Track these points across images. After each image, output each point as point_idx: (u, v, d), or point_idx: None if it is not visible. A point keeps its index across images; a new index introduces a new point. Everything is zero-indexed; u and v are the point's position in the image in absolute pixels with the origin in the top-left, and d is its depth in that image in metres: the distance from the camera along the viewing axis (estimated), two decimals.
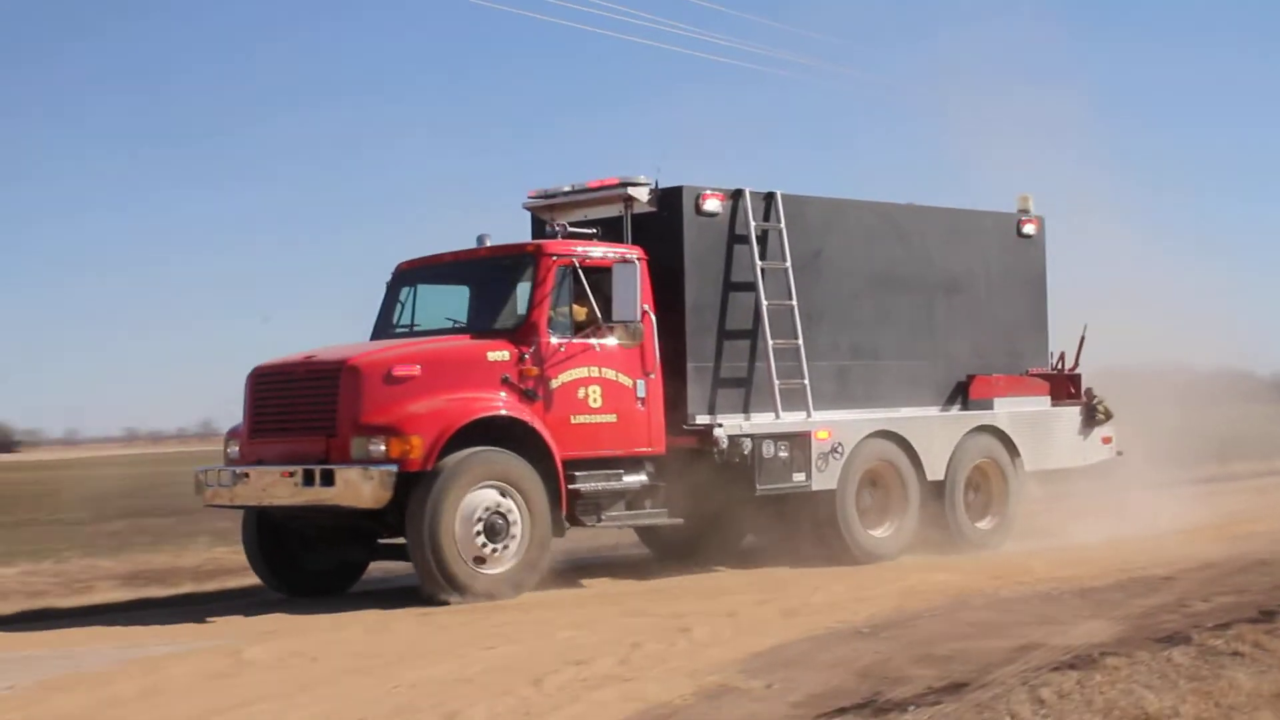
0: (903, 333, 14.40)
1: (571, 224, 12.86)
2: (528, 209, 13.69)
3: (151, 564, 15.04)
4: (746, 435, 12.75)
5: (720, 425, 12.60)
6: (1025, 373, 15.14)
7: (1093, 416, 15.21)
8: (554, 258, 12.26)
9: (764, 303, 13.06)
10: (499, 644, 8.94)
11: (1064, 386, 15.22)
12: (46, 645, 9.93)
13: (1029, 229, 15.56)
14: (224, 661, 8.64)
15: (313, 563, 12.42)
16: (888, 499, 13.81)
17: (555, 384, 12.09)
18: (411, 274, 13.08)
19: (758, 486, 12.77)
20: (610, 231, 12.78)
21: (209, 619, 10.69)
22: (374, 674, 7.96)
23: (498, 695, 7.12)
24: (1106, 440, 15.46)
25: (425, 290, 12.97)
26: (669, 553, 13.84)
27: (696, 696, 7.12)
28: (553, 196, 13.42)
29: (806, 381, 13.19)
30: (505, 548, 11.36)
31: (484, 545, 11.25)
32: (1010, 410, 14.73)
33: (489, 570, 11.28)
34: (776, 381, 13.00)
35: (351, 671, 8.12)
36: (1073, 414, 15.21)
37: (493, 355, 11.90)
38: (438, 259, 13.03)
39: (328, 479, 11.11)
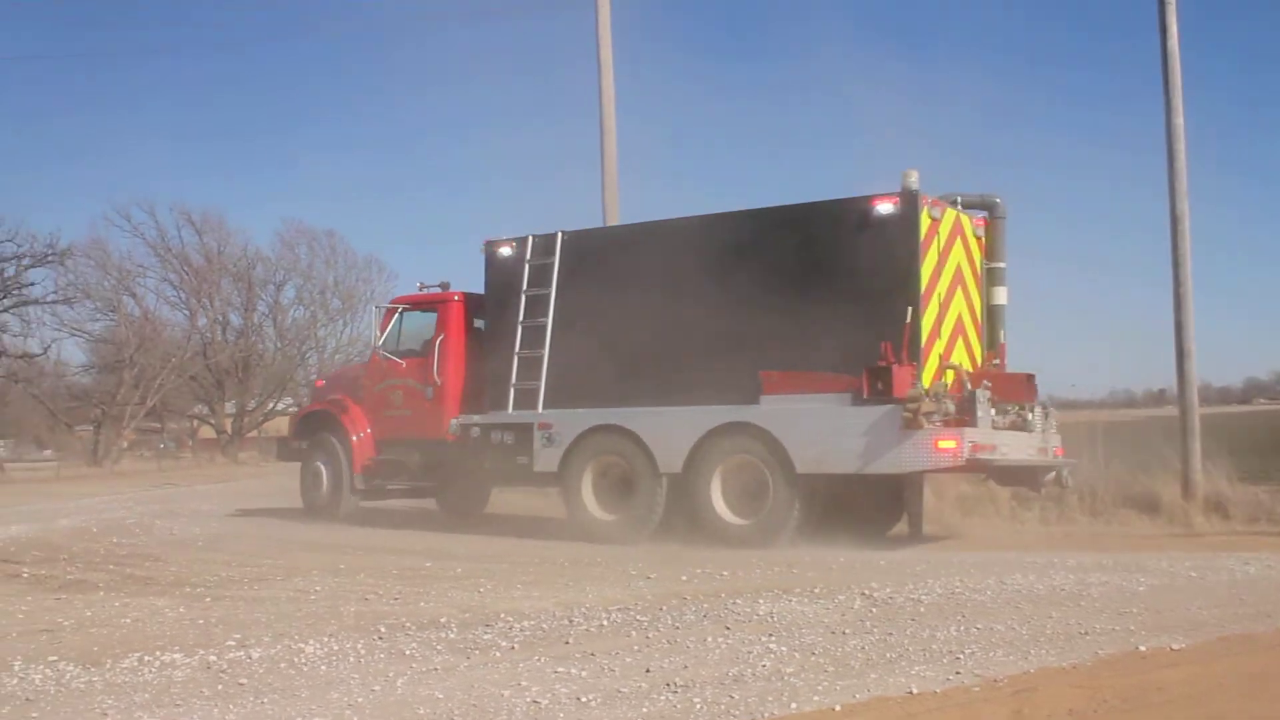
0: (703, 337, 14.73)
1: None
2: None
3: None
4: (475, 425, 16.52)
5: (457, 419, 16.83)
6: (863, 370, 13.30)
7: (913, 417, 13.05)
8: (389, 306, 18.69)
9: (520, 323, 16.19)
10: None
11: (870, 383, 13.26)
12: None
13: (884, 209, 13.72)
14: None
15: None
16: (621, 487, 15.35)
17: (376, 389, 18.30)
18: None
19: (485, 466, 16.51)
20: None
21: None
22: None
23: None
24: (944, 447, 13.18)
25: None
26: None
27: None
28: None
29: (541, 383, 15.97)
30: (321, 493, 18.66)
31: (314, 491, 18.78)
32: (777, 408, 14.04)
33: (321, 505, 18.55)
34: (514, 383, 16.18)
35: None
36: (878, 414, 13.37)
37: (350, 373, 19.55)
38: None
39: None
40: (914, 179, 13.89)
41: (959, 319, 14.61)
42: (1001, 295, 15.36)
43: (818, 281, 14.08)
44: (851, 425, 13.57)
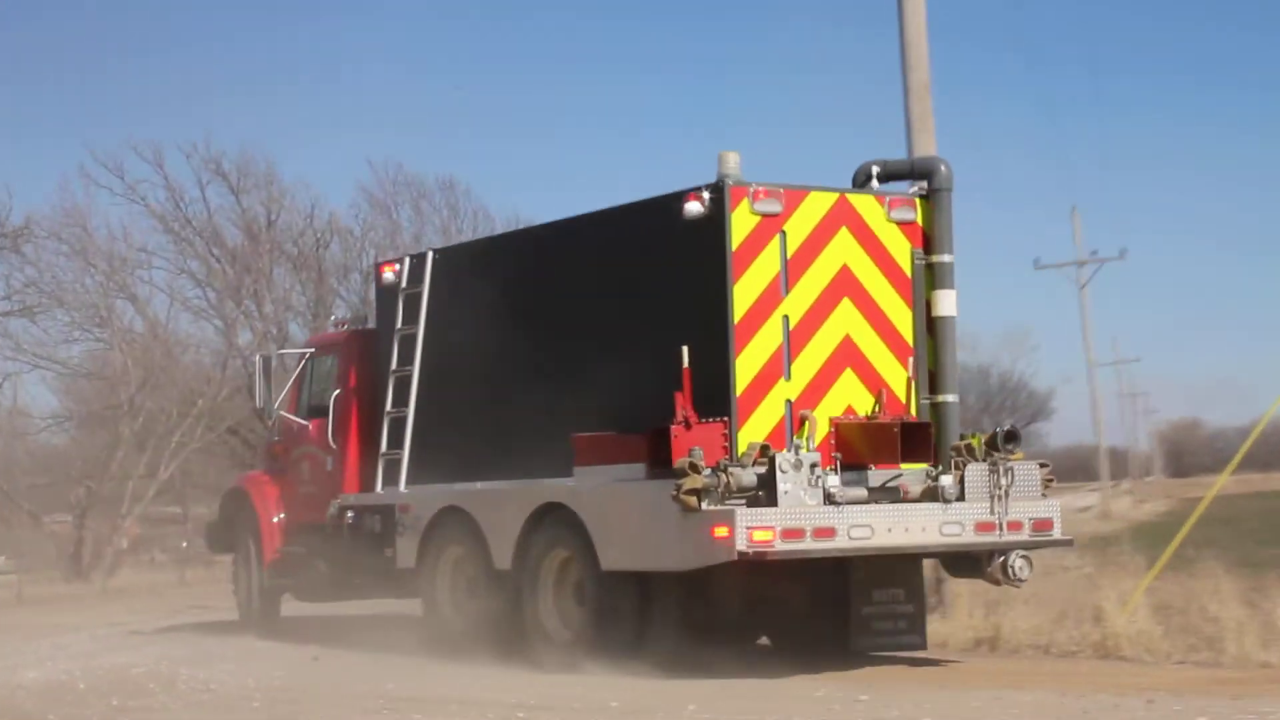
0: (527, 385, 11.91)
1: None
2: None
3: None
4: (350, 507, 13.46)
5: (336, 500, 13.64)
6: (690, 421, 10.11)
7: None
8: (303, 351, 15.20)
9: (391, 372, 13.01)
10: None
11: (652, 450, 10.24)
12: None
13: (691, 208, 10.24)
14: None
15: None
16: (473, 588, 12.33)
17: (292, 458, 14.70)
18: None
19: (361, 560, 13.21)
20: None
21: None
22: None
23: None
24: (719, 536, 9.70)
25: None
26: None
27: None
28: None
29: (405, 451, 12.89)
30: (240, 595, 15.28)
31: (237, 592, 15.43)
32: (585, 483, 11.00)
33: (242, 611, 15.28)
34: (382, 451, 13.06)
35: None
36: (660, 492, 10.01)
37: (270, 437, 15.84)
38: None
39: None
40: (731, 163, 10.56)
41: (844, 345, 10.80)
42: (947, 303, 11.05)
43: (628, 311, 11.21)
44: (644, 506, 10.52)
